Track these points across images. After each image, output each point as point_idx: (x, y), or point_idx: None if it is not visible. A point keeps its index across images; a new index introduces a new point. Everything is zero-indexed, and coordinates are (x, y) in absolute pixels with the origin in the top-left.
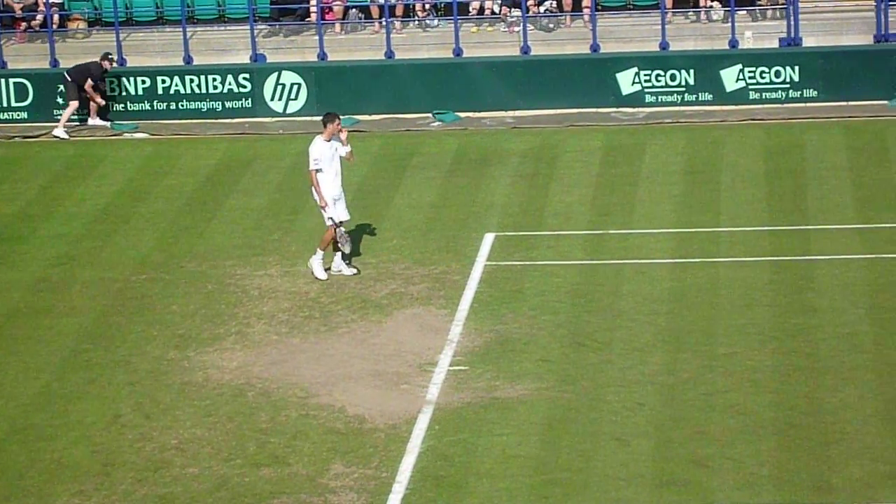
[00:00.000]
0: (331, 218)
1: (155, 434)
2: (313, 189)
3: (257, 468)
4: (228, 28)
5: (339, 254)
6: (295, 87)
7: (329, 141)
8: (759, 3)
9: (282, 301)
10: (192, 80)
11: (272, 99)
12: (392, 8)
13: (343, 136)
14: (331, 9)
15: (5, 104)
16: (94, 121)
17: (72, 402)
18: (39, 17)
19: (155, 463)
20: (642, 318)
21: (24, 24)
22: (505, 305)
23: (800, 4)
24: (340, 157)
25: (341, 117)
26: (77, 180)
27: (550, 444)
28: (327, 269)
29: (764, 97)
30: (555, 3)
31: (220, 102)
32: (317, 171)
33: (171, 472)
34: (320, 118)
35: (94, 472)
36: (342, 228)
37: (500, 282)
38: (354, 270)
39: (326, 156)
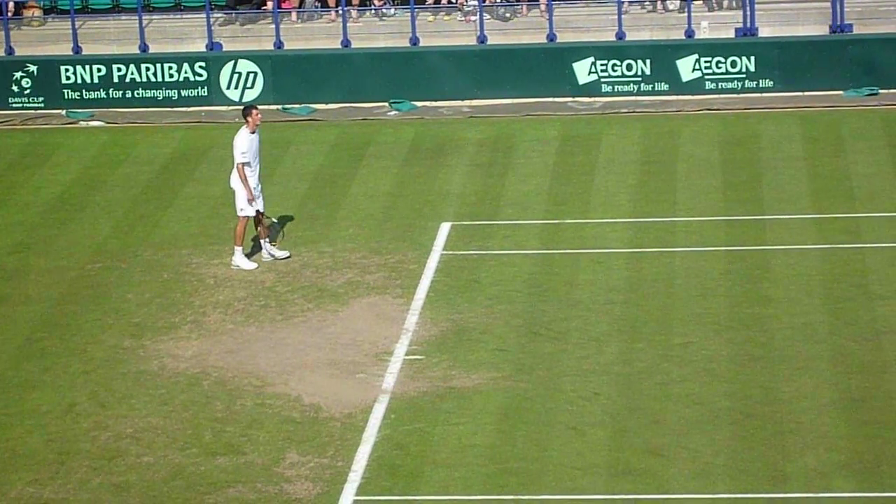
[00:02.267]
0: (242, 209)
1: (110, 423)
2: (236, 181)
3: (213, 457)
4: (185, 16)
5: (265, 241)
6: (251, 75)
7: (253, 133)
8: None
9: (238, 290)
10: (147, 69)
11: (228, 87)
12: None
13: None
14: None
15: None
16: None
17: (26, 390)
18: None
19: (110, 452)
20: (598, 308)
21: None
22: (461, 295)
23: None
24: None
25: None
26: (32, 169)
27: (506, 434)
28: (250, 256)
29: (720, 87)
30: None
31: (176, 91)
32: (244, 163)
33: (127, 460)
34: (279, 107)
35: (49, 460)
36: (272, 218)
37: (456, 271)
38: (287, 254)
39: (251, 148)
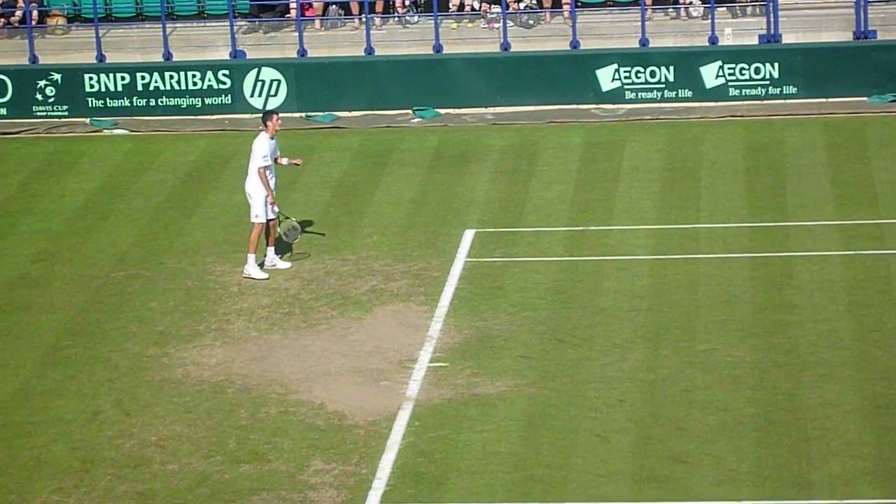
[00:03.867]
0: (258, 216)
1: (134, 431)
2: (253, 186)
3: (237, 465)
4: (208, 24)
5: (271, 248)
6: (275, 83)
7: (272, 138)
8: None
9: (261, 297)
10: (171, 77)
11: (252, 95)
12: (372, 4)
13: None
14: (311, 5)
15: None
16: None
17: (51, 398)
18: (18, 13)
19: (134, 460)
20: (622, 315)
21: (2, 21)
22: (485, 302)
23: (779, 1)
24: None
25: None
26: (56, 177)
27: (530, 441)
28: (261, 265)
29: (744, 94)
30: None
31: (199, 99)
32: (265, 167)
33: (151, 468)
34: (302, 115)
35: (73, 469)
36: (292, 219)
37: (480, 278)
38: (289, 265)
39: (269, 153)
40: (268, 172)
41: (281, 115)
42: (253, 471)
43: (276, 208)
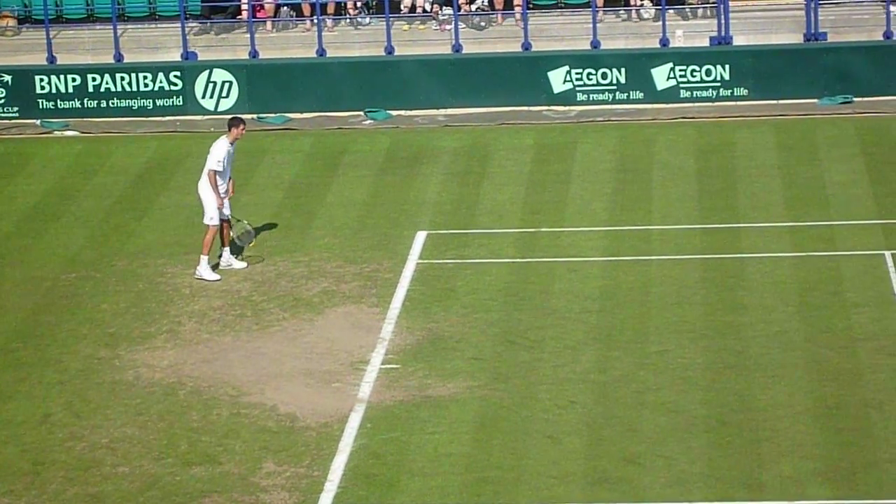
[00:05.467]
0: (212, 218)
1: (85, 433)
2: (205, 189)
3: (189, 467)
4: (159, 26)
5: (226, 249)
6: (226, 84)
7: (232, 144)
8: (689, 2)
9: (213, 299)
10: (122, 78)
11: (203, 97)
12: (324, 6)
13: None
14: (262, 6)
15: None
16: None
17: (1, 401)
18: None
19: (85, 462)
20: (574, 316)
21: None
22: (437, 303)
23: (730, 3)
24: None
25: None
26: (6, 178)
27: (482, 443)
28: (215, 267)
29: (695, 95)
30: (486, 1)
31: (151, 100)
32: (216, 171)
33: (102, 471)
34: (254, 116)
35: (23, 471)
36: (245, 222)
37: (432, 280)
38: (244, 265)
39: (226, 159)
40: (219, 179)
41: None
42: (204, 473)
43: (226, 211)
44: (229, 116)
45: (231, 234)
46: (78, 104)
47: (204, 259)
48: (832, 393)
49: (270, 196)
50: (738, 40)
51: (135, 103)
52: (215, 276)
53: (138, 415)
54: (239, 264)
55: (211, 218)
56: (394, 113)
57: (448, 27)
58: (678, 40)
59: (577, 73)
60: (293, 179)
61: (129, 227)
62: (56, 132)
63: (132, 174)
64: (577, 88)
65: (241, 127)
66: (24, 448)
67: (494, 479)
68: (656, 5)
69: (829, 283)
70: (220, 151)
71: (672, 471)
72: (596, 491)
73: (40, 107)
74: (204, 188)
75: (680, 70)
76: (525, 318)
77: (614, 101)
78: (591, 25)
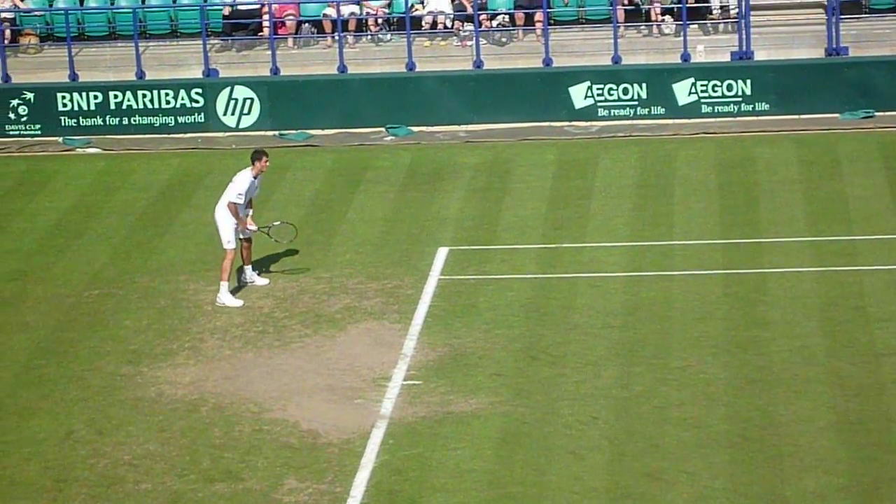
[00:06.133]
0: (229, 241)
1: (108, 450)
2: (222, 215)
3: (211, 484)
4: (181, 43)
5: (248, 266)
6: (248, 101)
7: (256, 178)
8: (710, 17)
9: (235, 316)
10: (144, 95)
11: (225, 114)
12: (345, 22)
13: (252, 226)
14: (283, 23)
15: None
16: None
17: (24, 418)
18: None
19: (108, 479)
20: (596, 332)
21: None
22: (459, 319)
23: (751, 18)
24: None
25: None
26: (29, 196)
27: (505, 459)
28: (236, 291)
29: (716, 111)
30: (507, 17)
31: (172, 117)
32: (236, 204)
33: (125, 488)
34: (275, 133)
35: (46, 488)
36: (277, 224)
37: (453, 296)
38: (266, 281)
39: (249, 192)
40: (239, 209)
41: (254, 133)
42: (226, 490)
43: (252, 227)
44: (251, 134)
45: (273, 240)
46: (100, 121)
47: (224, 285)
48: (855, 408)
49: (292, 212)
50: (760, 55)
51: (156, 120)
52: (237, 302)
53: (161, 431)
54: (261, 280)
55: (228, 241)
56: (415, 129)
57: (469, 43)
58: (699, 55)
59: (598, 89)
60: (315, 196)
61: (151, 244)
62: (78, 149)
63: (154, 191)
64: (599, 104)
65: (264, 160)
66: (46, 465)
67: (517, 496)
68: (677, 20)
69: (851, 297)
70: (241, 185)
71: (695, 486)
72: None
73: (62, 124)
74: (221, 213)
75: (701, 85)
76: (547, 334)
77: (635, 117)
78: (612, 41)
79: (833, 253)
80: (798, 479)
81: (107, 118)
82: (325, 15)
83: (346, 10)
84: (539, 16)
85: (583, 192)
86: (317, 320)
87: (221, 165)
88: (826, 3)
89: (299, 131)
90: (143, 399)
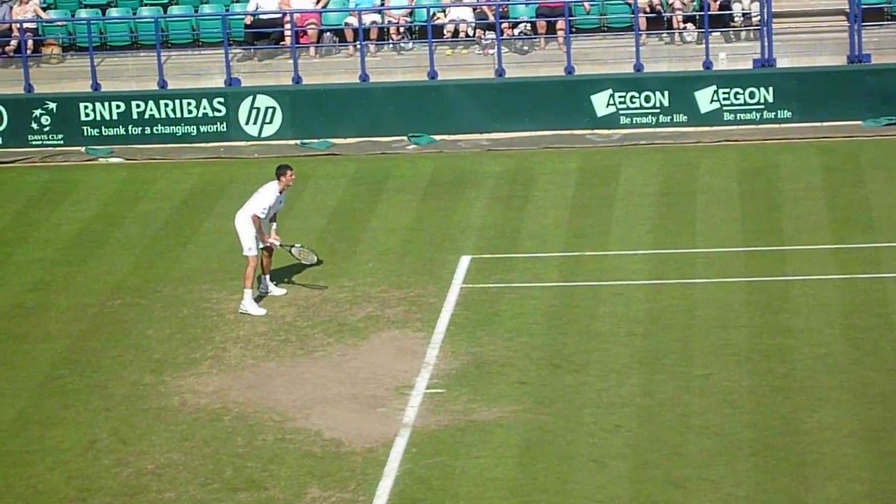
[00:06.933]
0: (250, 248)
1: (131, 459)
2: (242, 225)
3: (234, 493)
4: (203, 52)
5: (266, 276)
6: (270, 110)
7: (281, 192)
8: (732, 24)
9: (258, 325)
10: (166, 105)
11: (247, 123)
12: (366, 31)
13: (276, 241)
14: (305, 32)
15: None
16: None
17: (48, 427)
18: (13, 42)
19: (131, 488)
20: (619, 340)
21: None
22: (481, 328)
23: (773, 25)
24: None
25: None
26: (52, 205)
27: (527, 467)
28: (259, 299)
29: (738, 118)
30: (529, 25)
31: (194, 127)
32: (259, 217)
33: (148, 497)
34: (297, 142)
35: (70, 498)
36: (299, 246)
37: (476, 304)
38: (284, 291)
39: (273, 206)
40: (262, 223)
41: (276, 142)
42: (250, 499)
43: (276, 242)
44: (274, 143)
45: (297, 258)
46: (122, 131)
47: (248, 293)
48: (879, 415)
49: (314, 222)
50: (782, 63)
51: (179, 130)
52: (261, 311)
53: (184, 440)
54: (279, 290)
55: (249, 249)
56: (437, 137)
57: (491, 51)
58: (721, 63)
59: (620, 97)
60: (337, 205)
61: (173, 254)
62: (101, 159)
63: (176, 200)
64: (621, 112)
65: (290, 174)
66: (70, 475)
67: None
68: (699, 28)
69: (874, 305)
70: (267, 199)
71: (718, 494)
72: None
73: (85, 134)
74: (241, 221)
75: (723, 93)
76: (569, 342)
77: (657, 125)
78: (633, 49)
79: (856, 260)
80: (821, 486)
81: (129, 128)
82: (346, 23)
83: (368, 18)
84: (561, 24)
85: (605, 200)
86: (339, 329)
87: (243, 174)
88: (848, 10)
89: (321, 140)
90: (166, 408)
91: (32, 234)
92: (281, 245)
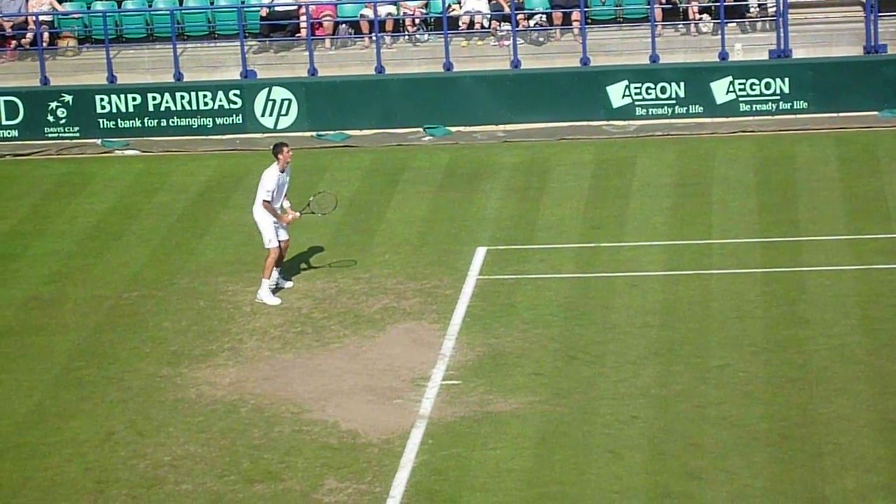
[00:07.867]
0: (270, 240)
1: (148, 451)
2: (260, 215)
3: (251, 484)
4: (218, 44)
5: (277, 270)
6: (285, 102)
7: (283, 171)
8: (748, 15)
9: (274, 317)
10: (182, 97)
11: (263, 115)
12: (382, 23)
13: (293, 215)
14: (321, 24)
15: None
16: None
17: (65, 419)
18: (29, 35)
19: (148, 480)
20: (635, 331)
21: (14, 43)
22: (497, 319)
23: (789, 16)
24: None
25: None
26: (68, 198)
27: (544, 458)
28: (276, 290)
29: (754, 109)
30: (545, 16)
31: (210, 119)
32: (267, 201)
33: (165, 489)
34: (313, 134)
35: (87, 489)
36: (312, 199)
37: (492, 296)
38: (291, 284)
39: (278, 187)
40: (274, 204)
41: (292, 134)
42: (267, 490)
43: (293, 215)
44: (289, 135)
45: (318, 214)
46: (138, 123)
47: (265, 283)
48: (895, 406)
49: (330, 213)
50: (798, 53)
51: (195, 122)
52: (276, 301)
53: (200, 432)
54: (287, 284)
55: (270, 241)
56: (453, 129)
57: (507, 43)
58: (737, 54)
59: (636, 88)
60: (353, 196)
61: (190, 245)
62: (117, 151)
63: (193, 192)
64: (636, 103)
65: (286, 150)
66: (87, 466)
67: (556, 495)
68: (715, 19)
69: (891, 296)
70: (270, 182)
71: (734, 485)
72: None
73: (101, 126)
74: (258, 214)
75: (739, 84)
76: (585, 333)
77: (673, 116)
78: (649, 40)
79: (873, 251)
80: (838, 477)
81: (145, 120)
82: (362, 15)
83: (384, 10)
84: (576, 15)
85: (621, 192)
86: (356, 321)
87: (259, 166)
88: (864, 0)
89: (337, 132)
90: (182, 400)
91: (49, 227)
92: (301, 213)
